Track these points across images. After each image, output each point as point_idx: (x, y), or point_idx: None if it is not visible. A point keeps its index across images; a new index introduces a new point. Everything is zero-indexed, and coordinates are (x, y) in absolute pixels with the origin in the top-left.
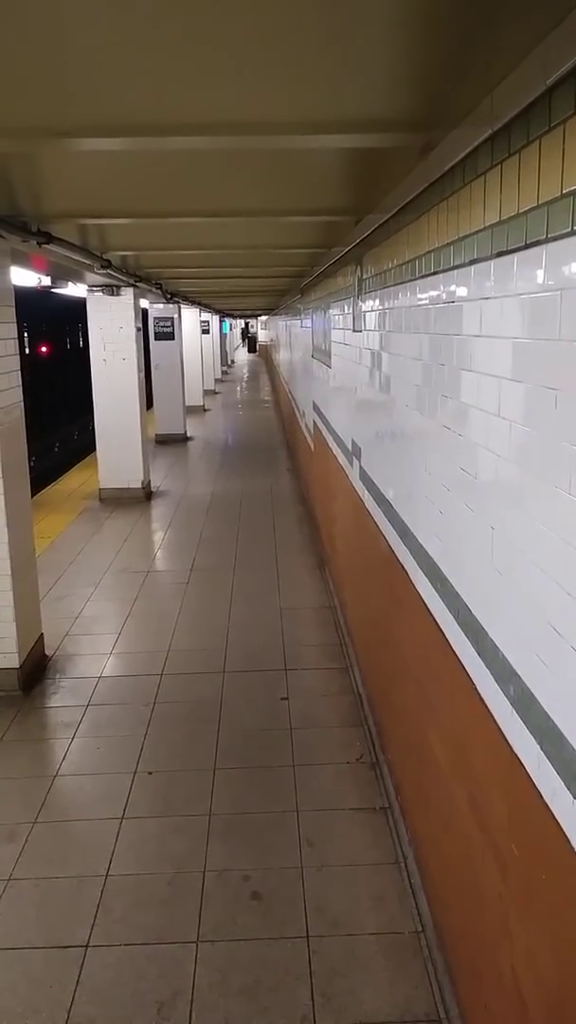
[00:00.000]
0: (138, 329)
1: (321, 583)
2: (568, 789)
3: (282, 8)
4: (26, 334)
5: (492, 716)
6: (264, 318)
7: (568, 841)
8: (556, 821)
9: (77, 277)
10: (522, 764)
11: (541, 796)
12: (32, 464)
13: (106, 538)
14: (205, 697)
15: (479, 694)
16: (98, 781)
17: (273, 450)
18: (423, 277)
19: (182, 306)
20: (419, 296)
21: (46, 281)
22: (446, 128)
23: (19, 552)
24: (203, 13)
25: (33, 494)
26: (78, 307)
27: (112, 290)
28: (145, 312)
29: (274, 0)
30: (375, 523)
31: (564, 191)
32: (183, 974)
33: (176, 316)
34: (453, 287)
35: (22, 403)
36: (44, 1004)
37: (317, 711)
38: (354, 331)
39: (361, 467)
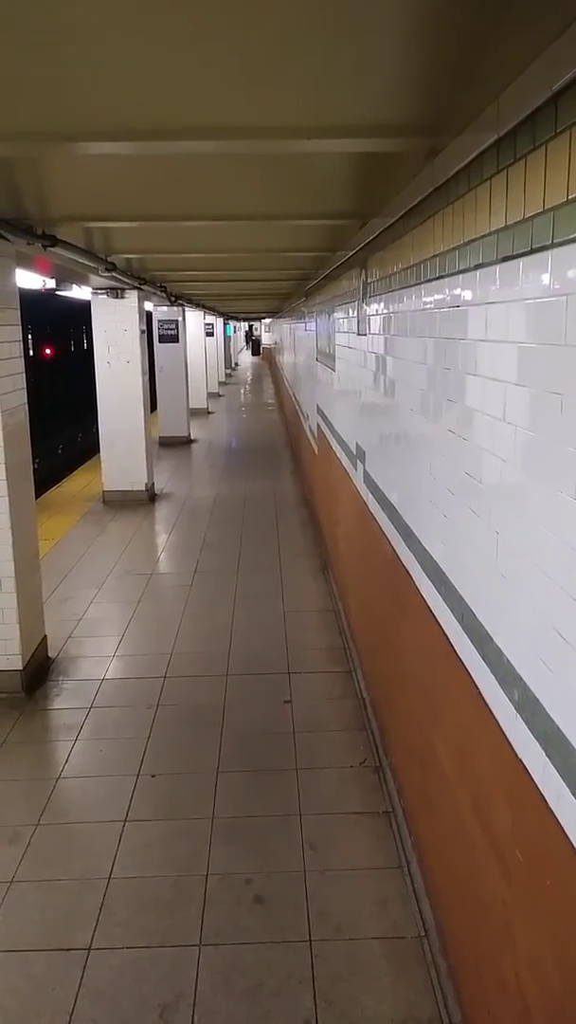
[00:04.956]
0: (142, 331)
1: (324, 586)
2: (573, 794)
3: (289, 13)
4: (30, 336)
5: (496, 720)
6: (268, 321)
7: (572, 846)
8: (560, 826)
9: (82, 280)
10: (526, 769)
11: (545, 801)
12: (36, 466)
13: (110, 540)
14: (208, 700)
15: (483, 698)
16: (101, 784)
17: (276, 453)
18: (428, 281)
19: (186, 309)
20: (424, 300)
21: (50, 283)
22: (452, 133)
23: (23, 554)
24: (210, 18)
25: (37, 496)
26: (81, 309)
27: (116, 293)
28: (149, 315)
29: (281, 5)
30: (379, 526)
31: (570, 196)
32: (185, 977)
33: (180, 319)
34: (458, 291)
35: (26, 405)
36: (46, 1006)
37: (320, 715)
38: (358, 334)
39: (365, 470)
